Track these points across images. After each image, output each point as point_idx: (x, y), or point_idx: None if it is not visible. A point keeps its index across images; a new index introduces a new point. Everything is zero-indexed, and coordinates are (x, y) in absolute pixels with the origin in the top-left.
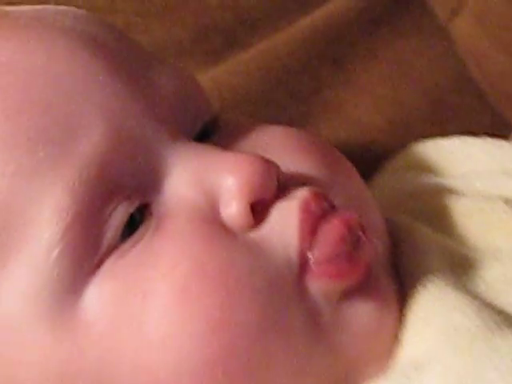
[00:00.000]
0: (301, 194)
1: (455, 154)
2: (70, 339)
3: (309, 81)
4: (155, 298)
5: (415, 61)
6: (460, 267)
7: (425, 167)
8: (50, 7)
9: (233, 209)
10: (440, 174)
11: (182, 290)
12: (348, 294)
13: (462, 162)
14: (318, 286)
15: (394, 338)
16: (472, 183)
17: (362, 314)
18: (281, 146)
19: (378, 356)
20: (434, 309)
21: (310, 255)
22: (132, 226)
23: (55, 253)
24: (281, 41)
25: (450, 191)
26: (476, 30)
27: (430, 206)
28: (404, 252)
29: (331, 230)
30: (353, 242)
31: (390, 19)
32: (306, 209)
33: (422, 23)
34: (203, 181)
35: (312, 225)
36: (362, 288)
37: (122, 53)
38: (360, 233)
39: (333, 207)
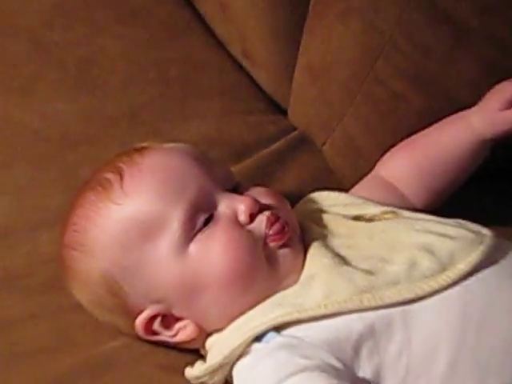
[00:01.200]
0: (267, 213)
1: (326, 197)
2: (184, 263)
3: (251, 180)
4: (214, 248)
5: (309, 168)
6: (326, 240)
7: (314, 201)
8: (180, 144)
9: (242, 217)
10: (319, 204)
11: (223, 247)
12: (282, 247)
13: (329, 199)
14: (272, 244)
15: (301, 267)
16: (331, 208)
17: (288, 255)
18: (260, 193)
19: (294, 274)
20: (316, 255)
21: (269, 235)
22: (207, 222)
23: (178, 232)
24: (240, 166)
25: (323, 211)
26: (330, 151)
27: (315, 216)
28: (305, 234)
29: (277, 227)
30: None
31: (292, 151)
32: (268, 219)
33: (312, 148)
34: (232, 207)
35: (271, 225)
36: (287, 244)
37: (202, 158)
38: (287, 226)
39: (278, 218)
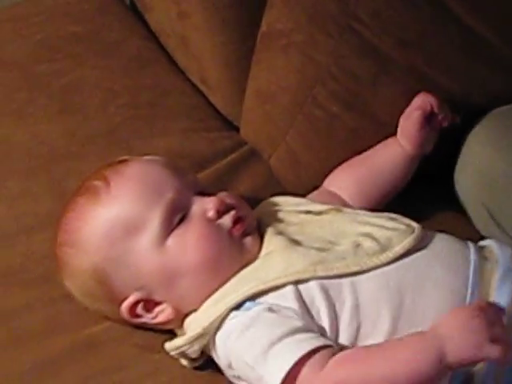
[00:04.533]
0: (232, 212)
1: (280, 200)
2: (163, 255)
3: (210, 187)
4: (188, 241)
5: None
6: (281, 229)
7: (270, 203)
8: (155, 157)
9: (211, 213)
10: (275, 205)
11: (196, 239)
12: (242, 235)
13: (282, 201)
14: (235, 233)
15: (259, 248)
16: (285, 207)
17: (248, 242)
18: (224, 195)
19: (255, 253)
20: (272, 238)
21: (233, 228)
22: (181, 220)
23: (158, 229)
24: (201, 176)
25: (278, 210)
26: (276, 163)
27: (272, 214)
28: (263, 227)
29: (240, 220)
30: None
31: (244, 162)
32: (234, 216)
33: (260, 160)
34: (202, 206)
35: (235, 220)
36: (248, 234)
37: (175, 167)
38: (247, 219)
39: (240, 214)
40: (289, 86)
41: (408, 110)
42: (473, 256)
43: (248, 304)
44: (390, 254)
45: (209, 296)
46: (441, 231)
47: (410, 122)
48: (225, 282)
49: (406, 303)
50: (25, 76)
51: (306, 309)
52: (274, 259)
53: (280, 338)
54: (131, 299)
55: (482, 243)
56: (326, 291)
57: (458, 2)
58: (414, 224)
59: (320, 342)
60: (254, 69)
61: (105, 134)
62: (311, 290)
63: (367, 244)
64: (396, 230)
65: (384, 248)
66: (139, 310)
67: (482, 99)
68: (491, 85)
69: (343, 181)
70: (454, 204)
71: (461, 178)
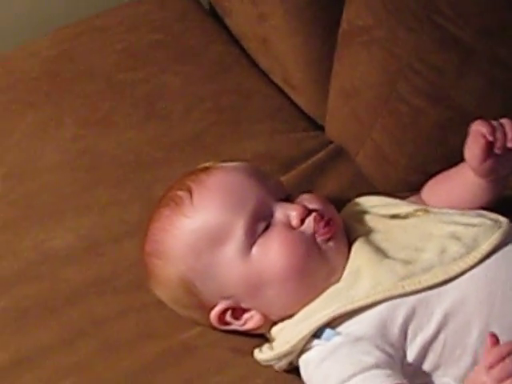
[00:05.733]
0: (314, 214)
1: (367, 200)
2: (249, 264)
3: (297, 187)
4: (273, 249)
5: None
6: (367, 236)
7: (357, 204)
8: (238, 163)
9: (294, 222)
10: (362, 206)
11: (281, 247)
12: (329, 240)
13: (369, 202)
14: (319, 239)
15: (347, 258)
16: (372, 209)
17: (334, 247)
18: (308, 199)
19: (341, 265)
20: (359, 249)
21: (317, 232)
22: (266, 228)
23: (242, 238)
24: (288, 177)
25: (365, 212)
26: (362, 160)
27: (358, 217)
28: (350, 232)
29: (323, 223)
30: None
31: (330, 161)
32: (315, 218)
33: (347, 158)
34: (286, 213)
35: (318, 222)
36: (333, 238)
37: (257, 174)
38: (332, 223)
39: (323, 216)
40: (372, 82)
41: (468, 142)
42: None
43: (328, 332)
44: (477, 254)
45: (297, 305)
46: None
47: (471, 154)
48: (313, 292)
49: (495, 309)
50: (109, 85)
51: (389, 332)
52: (362, 276)
53: (350, 377)
54: (219, 308)
55: None
56: (412, 308)
57: None
58: (502, 218)
59: (388, 381)
60: (337, 66)
61: (190, 140)
62: (397, 309)
63: (453, 248)
64: (482, 225)
65: (470, 249)
66: (228, 317)
67: None
68: None
69: (429, 200)
70: None
71: None
